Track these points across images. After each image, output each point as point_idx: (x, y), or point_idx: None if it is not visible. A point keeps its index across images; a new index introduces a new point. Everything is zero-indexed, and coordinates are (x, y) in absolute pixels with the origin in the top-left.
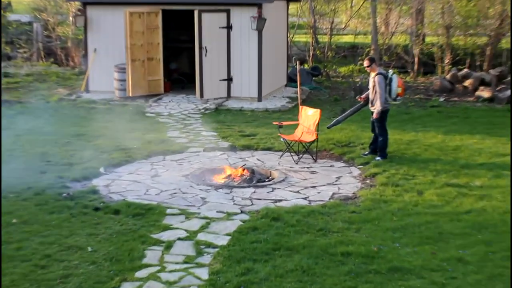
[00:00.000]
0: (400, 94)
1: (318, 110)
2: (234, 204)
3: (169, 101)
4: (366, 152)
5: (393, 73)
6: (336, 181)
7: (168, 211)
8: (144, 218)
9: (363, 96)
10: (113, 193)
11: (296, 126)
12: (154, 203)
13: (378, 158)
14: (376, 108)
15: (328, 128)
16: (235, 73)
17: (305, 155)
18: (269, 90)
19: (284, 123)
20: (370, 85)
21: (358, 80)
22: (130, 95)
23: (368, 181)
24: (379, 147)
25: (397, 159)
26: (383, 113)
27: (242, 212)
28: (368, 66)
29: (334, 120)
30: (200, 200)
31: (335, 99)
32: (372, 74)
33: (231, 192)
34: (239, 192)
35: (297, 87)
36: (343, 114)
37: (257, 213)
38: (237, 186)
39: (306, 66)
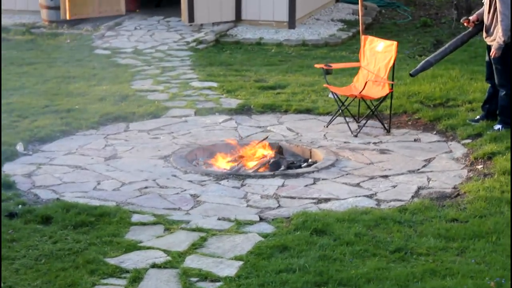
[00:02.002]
0: None
1: (394, 44)
2: (248, 206)
3: (135, 28)
4: (478, 117)
5: None
6: (424, 166)
7: (135, 218)
8: (94, 230)
9: (472, 18)
10: (39, 188)
11: (355, 71)
12: (110, 205)
13: (497, 126)
14: (496, 39)
15: (412, 75)
16: None
17: (370, 122)
18: (309, 9)
19: (335, 66)
20: (486, 0)
21: None
22: (68, 17)
23: (479, 166)
24: (500, 107)
25: None
26: (508, 48)
27: (262, 219)
28: None
29: (422, 62)
30: (190, 199)
31: (424, 23)
32: None
33: (242, 185)
34: (257, 186)
35: (356, 3)
36: (438, 52)
37: (287, 221)
38: (253, 175)
39: None
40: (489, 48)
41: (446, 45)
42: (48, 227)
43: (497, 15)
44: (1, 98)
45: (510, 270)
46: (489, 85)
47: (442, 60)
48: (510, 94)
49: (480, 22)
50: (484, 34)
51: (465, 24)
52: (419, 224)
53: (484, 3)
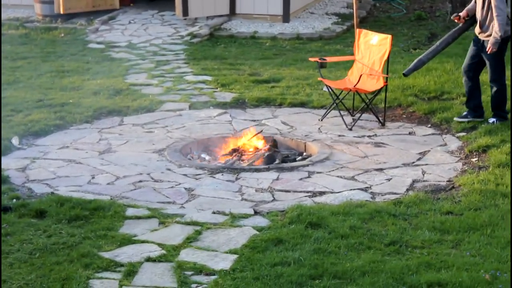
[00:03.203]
0: None
1: (389, 37)
2: (242, 199)
3: (129, 22)
4: (465, 113)
5: None
6: (419, 159)
7: (130, 211)
8: (88, 224)
9: (462, 14)
10: (33, 182)
11: (350, 64)
12: (105, 199)
13: (492, 119)
14: (492, 34)
15: (405, 75)
16: None
17: (364, 115)
18: (303, 3)
19: (329, 59)
20: None
21: None
22: (62, 11)
23: (474, 159)
24: (493, 101)
25: None
26: (503, 42)
27: (256, 213)
28: None
29: (415, 61)
30: (185, 192)
31: (418, 16)
32: None
33: (237, 178)
34: (252, 179)
35: None
36: (429, 50)
37: (282, 214)
38: (247, 168)
39: None
40: (476, 42)
41: (438, 43)
42: (42, 221)
43: (491, 10)
44: (1, 92)
45: (510, 269)
46: (466, 79)
47: (434, 57)
48: (502, 89)
49: (470, 17)
50: (478, 30)
51: (456, 20)
52: (414, 217)
53: None
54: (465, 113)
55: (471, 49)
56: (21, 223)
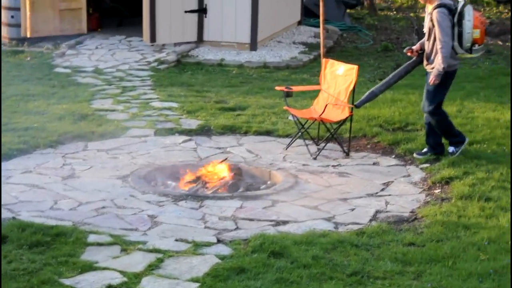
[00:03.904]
0: (479, 40)
1: (355, 67)
2: (205, 227)
3: (97, 47)
4: (425, 149)
5: (466, 3)
6: (382, 190)
7: (92, 238)
8: (50, 250)
9: (415, 47)
10: None
11: (315, 94)
12: (67, 225)
13: (451, 148)
14: (435, 66)
15: (357, 107)
16: (211, 1)
17: (329, 145)
18: (271, 31)
19: (296, 88)
20: (426, 27)
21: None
22: (29, 35)
23: (437, 191)
24: (440, 131)
25: (489, 153)
26: (447, 76)
27: (219, 241)
28: None
29: (367, 93)
30: (148, 219)
31: (385, 47)
32: (429, 8)
33: (201, 206)
34: (215, 207)
35: (318, 26)
36: (382, 82)
37: (245, 243)
38: (211, 196)
39: None
40: (428, 76)
41: (391, 76)
42: (3, 246)
43: (436, 40)
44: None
45: (510, 269)
46: (426, 115)
47: (387, 89)
48: (440, 118)
49: (423, 51)
50: (425, 62)
51: (409, 53)
52: (377, 248)
53: (425, 30)
54: (425, 149)
55: (426, 85)
56: None
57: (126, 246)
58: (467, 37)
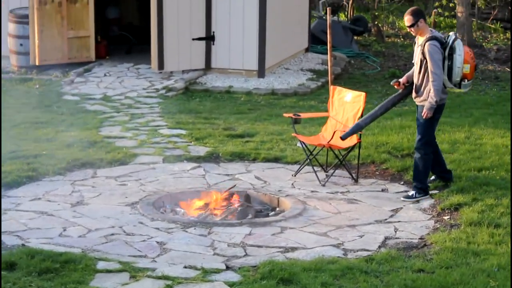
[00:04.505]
0: (468, 75)
1: (363, 94)
2: (214, 254)
3: (105, 75)
4: (433, 177)
5: (456, 37)
6: (391, 216)
7: (101, 265)
8: (59, 277)
9: (402, 80)
10: (4, 234)
11: (324, 120)
12: (76, 252)
13: (412, 192)
14: (428, 100)
15: (342, 139)
16: (219, 28)
17: (338, 172)
18: (278, 59)
19: (304, 115)
20: (416, 59)
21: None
22: (38, 63)
23: (446, 217)
24: (414, 170)
25: (497, 179)
26: (436, 111)
27: (228, 268)
28: (411, 26)
29: (353, 126)
30: (157, 246)
31: (392, 74)
32: (420, 40)
33: (209, 233)
34: (224, 234)
35: (326, 53)
36: (368, 115)
37: (254, 270)
38: (220, 223)
39: (343, 17)
40: (418, 108)
41: (377, 108)
42: (12, 274)
43: (427, 75)
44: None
45: (510, 268)
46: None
47: (373, 122)
48: (425, 158)
49: (410, 84)
50: (414, 95)
51: (395, 86)
52: (386, 275)
53: (414, 63)
54: (432, 177)
55: (417, 118)
56: None
57: (135, 273)
58: (457, 71)
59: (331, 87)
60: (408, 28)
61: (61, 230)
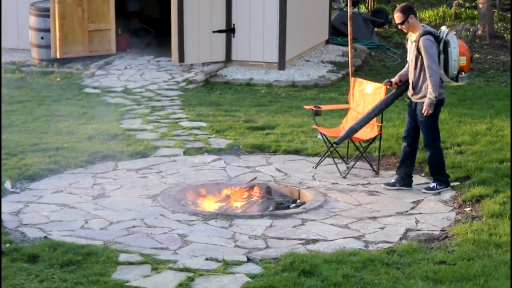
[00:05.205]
0: (465, 67)
1: (383, 86)
2: (236, 246)
3: (126, 68)
4: (393, 180)
5: (449, 31)
6: (412, 208)
7: (122, 257)
8: (81, 269)
9: (394, 80)
10: (27, 226)
11: (344, 112)
12: (98, 244)
13: (432, 184)
14: (427, 96)
15: (336, 143)
16: (239, 21)
17: (358, 164)
18: (299, 51)
19: (324, 107)
20: (410, 57)
21: (456, 31)
22: (59, 56)
23: (468, 209)
24: (430, 166)
25: None
26: (436, 105)
27: (249, 260)
28: (402, 23)
29: (347, 130)
30: (178, 238)
31: None
32: (413, 36)
33: (230, 225)
34: (245, 226)
35: (346, 45)
36: (361, 118)
37: (275, 262)
38: (241, 215)
39: (363, 9)
40: (411, 106)
41: (370, 110)
42: (35, 266)
43: (424, 71)
44: (1, 134)
45: (510, 269)
46: (405, 144)
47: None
48: (437, 153)
49: (403, 83)
50: (411, 92)
51: (388, 86)
52: (407, 266)
53: (409, 60)
54: (393, 180)
55: (407, 113)
56: (13, 268)
57: (156, 265)
58: (454, 64)
59: (351, 79)
60: (399, 26)
61: (83, 222)
